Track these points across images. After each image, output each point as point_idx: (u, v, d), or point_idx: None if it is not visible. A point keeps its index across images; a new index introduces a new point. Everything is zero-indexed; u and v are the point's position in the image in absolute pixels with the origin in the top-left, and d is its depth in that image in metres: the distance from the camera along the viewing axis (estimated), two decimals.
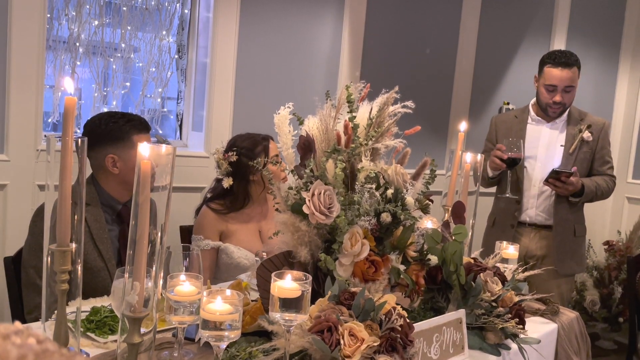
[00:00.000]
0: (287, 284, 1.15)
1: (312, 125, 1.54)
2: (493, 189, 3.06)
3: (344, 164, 1.44)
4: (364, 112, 1.63)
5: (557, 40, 4.06)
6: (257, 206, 2.36)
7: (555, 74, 2.74)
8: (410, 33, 3.59)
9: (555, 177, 2.68)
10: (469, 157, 1.97)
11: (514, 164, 2.73)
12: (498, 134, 2.97)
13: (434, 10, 3.66)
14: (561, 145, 2.85)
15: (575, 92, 2.83)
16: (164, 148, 1.12)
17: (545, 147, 2.86)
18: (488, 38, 3.86)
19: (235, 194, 2.29)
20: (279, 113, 1.58)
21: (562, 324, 1.88)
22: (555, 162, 2.84)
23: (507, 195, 2.82)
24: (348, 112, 1.52)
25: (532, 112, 2.93)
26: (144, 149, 1.05)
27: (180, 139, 3.13)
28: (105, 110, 2.87)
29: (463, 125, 2.05)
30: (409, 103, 1.64)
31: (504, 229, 2.91)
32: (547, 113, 2.85)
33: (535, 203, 2.87)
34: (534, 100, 2.97)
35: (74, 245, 1.12)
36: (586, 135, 2.82)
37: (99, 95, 2.88)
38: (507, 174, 2.83)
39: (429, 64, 3.69)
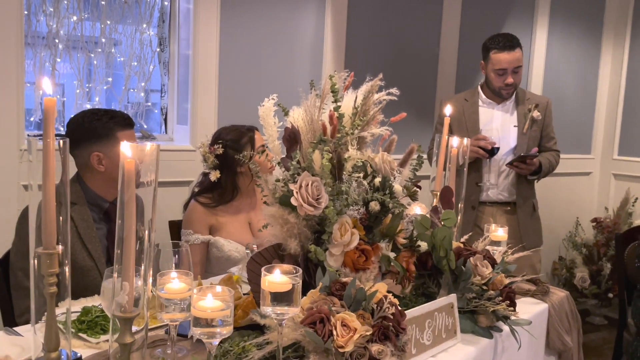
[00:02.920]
0: (277, 278, 1.14)
1: (297, 117, 1.53)
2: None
3: (331, 154, 1.44)
4: (349, 101, 1.62)
5: (539, 19, 4.06)
6: (246, 198, 2.36)
7: (503, 58, 2.86)
8: (393, 19, 3.57)
9: (520, 160, 2.83)
10: (455, 141, 1.97)
11: (494, 153, 2.86)
12: (451, 117, 3.01)
13: None
14: (514, 126, 2.97)
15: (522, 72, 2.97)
16: (147, 146, 1.11)
17: (499, 129, 2.97)
18: (471, 21, 3.85)
19: (223, 186, 2.28)
20: (263, 105, 1.57)
21: (553, 304, 1.90)
22: (511, 142, 2.96)
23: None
24: (333, 101, 1.51)
25: (482, 95, 3.03)
26: (126, 148, 1.04)
27: (166, 132, 3.10)
28: (89, 106, 2.83)
29: (448, 109, 2.05)
30: (394, 90, 1.64)
31: (465, 211, 2.97)
32: (501, 96, 2.96)
33: (494, 185, 2.97)
34: (481, 82, 3.08)
35: (60, 247, 1.10)
36: (536, 114, 2.94)
37: (81, 91, 2.85)
38: (482, 162, 2.93)
39: (413, 50, 3.68)
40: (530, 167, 2.85)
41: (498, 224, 2.94)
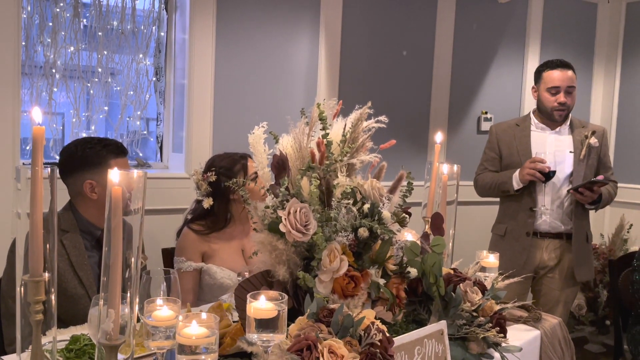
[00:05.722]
0: (262, 305, 1.15)
1: (286, 144, 1.55)
2: (484, 198, 3.06)
3: (319, 181, 1.45)
4: (338, 129, 1.64)
5: (531, 49, 4.12)
6: (239, 225, 2.36)
7: (556, 75, 2.82)
8: (386, 48, 3.63)
9: (587, 187, 2.70)
10: (445, 168, 1.98)
11: (551, 177, 2.75)
12: (500, 142, 2.96)
13: (409, 24, 3.71)
14: (570, 152, 2.86)
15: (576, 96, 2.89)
16: (135, 173, 1.12)
17: (553, 154, 2.84)
18: (463, 52, 3.91)
19: (216, 214, 2.29)
20: (253, 133, 1.59)
21: (545, 330, 1.89)
22: (567, 168, 2.84)
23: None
24: (321, 129, 1.53)
25: (534, 120, 2.95)
26: (114, 176, 1.05)
27: (161, 160, 3.13)
28: (85, 135, 2.86)
29: (439, 137, 2.07)
30: (383, 118, 1.66)
31: (518, 238, 2.88)
32: (553, 118, 2.87)
33: (548, 210, 2.84)
34: (533, 108, 3.00)
35: (47, 274, 1.11)
36: (593, 141, 2.84)
37: (77, 120, 2.88)
38: (536, 186, 2.83)
39: (406, 77, 3.73)
40: (594, 195, 2.71)
41: (550, 256, 2.86)
